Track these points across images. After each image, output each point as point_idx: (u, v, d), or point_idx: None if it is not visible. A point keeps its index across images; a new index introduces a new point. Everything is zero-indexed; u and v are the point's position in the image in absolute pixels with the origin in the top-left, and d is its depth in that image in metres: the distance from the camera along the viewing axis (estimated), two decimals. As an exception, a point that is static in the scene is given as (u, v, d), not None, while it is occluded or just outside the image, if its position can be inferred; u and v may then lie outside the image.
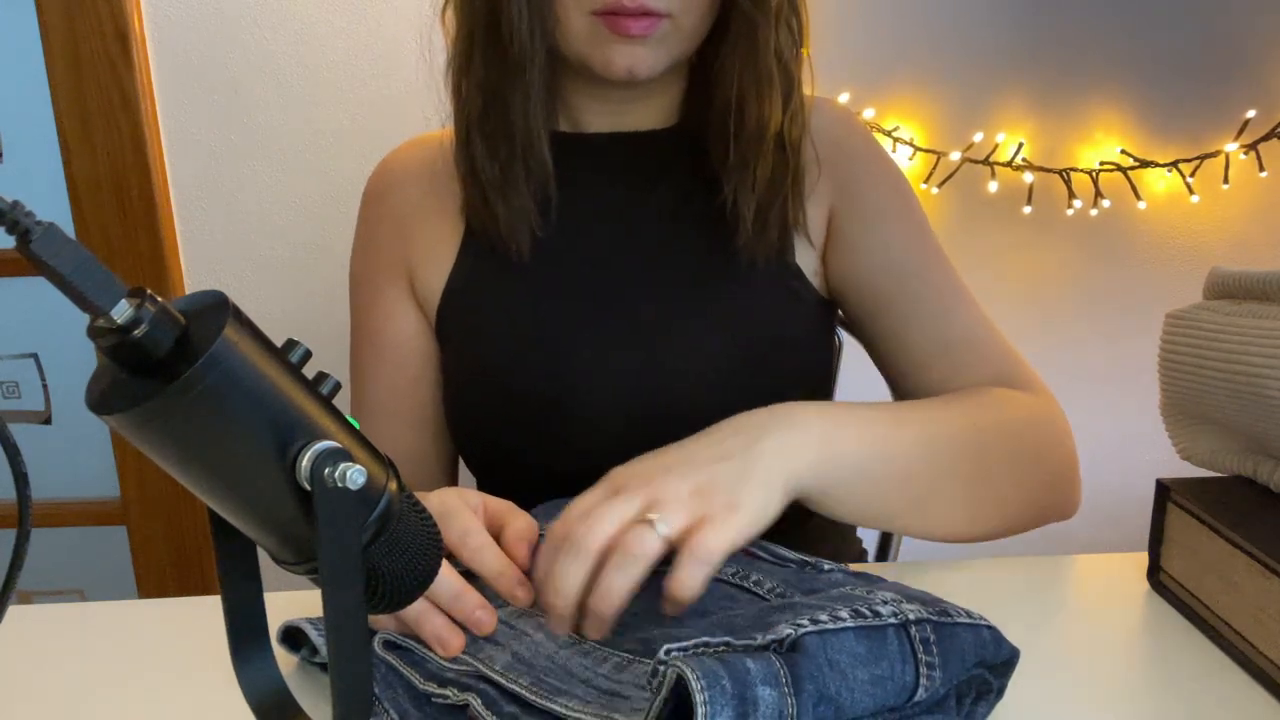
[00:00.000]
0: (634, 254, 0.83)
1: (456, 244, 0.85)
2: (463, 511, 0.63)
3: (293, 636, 0.61)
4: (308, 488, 0.37)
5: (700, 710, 0.44)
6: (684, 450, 0.62)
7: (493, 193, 0.81)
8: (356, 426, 0.42)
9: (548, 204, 0.82)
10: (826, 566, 0.62)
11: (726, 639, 0.49)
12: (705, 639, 0.49)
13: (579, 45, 0.77)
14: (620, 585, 0.55)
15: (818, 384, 0.86)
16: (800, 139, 0.82)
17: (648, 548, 0.55)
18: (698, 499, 0.57)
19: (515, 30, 0.75)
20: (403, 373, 0.87)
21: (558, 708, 0.53)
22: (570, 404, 0.80)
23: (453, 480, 0.93)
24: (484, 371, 0.83)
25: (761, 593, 0.61)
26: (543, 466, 0.81)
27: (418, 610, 0.58)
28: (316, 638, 0.59)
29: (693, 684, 0.45)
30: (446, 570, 0.59)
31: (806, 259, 0.85)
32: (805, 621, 0.50)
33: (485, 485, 0.90)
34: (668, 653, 0.47)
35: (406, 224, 0.87)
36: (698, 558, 0.55)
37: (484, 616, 0.59)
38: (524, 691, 0.54)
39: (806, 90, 0.82)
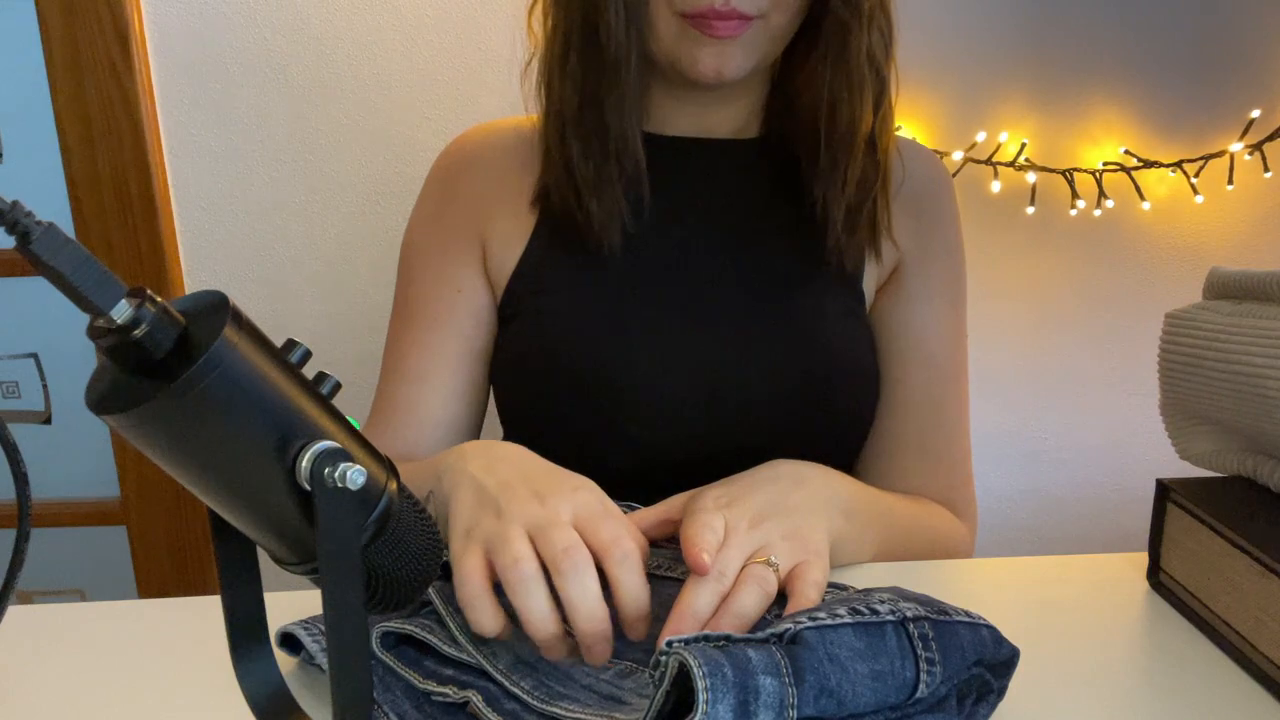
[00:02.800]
0: (710, 256, 0.84)
1: (528, 230, 0.86)
2: (621, 519, 0.60)
3: (291, 640, 0.61)
4: (308, 488, 0.37)
5: (702, 698, 0.44)
6: (765, 494, 0.67)
7: (586, 191, 0.82)
8: (357, 426, 0.42)
9: (640, 203, 0.83)
10: (825, 595, 0.63)
11: (728, 633, 0.50)
12: (706, 633, 0.49)
13: (668, 47, 0.78)
14: (751, 609, 0.59)
15: (867, 394, 0.87)
16: (890, 142, 0.83)
17: (771, 586, 0.61)
18: (791, 543, 0.64)
19: (613, 32, 0.76)
20: (463, 345, 0.88)
21: (559, 710, 0.53)
22: (626, 395, 0.81)
23: None
24: (546, 355, 0.83)
25: (767, 615, 0.62)
26: (586, 453, 0.82)
27: (550, 635, 0.55)
28: (310, 643, 0.59)
29: (695, 671, 0.45)
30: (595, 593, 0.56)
31: (870, 284, 0.87)
32: (803, 618, 0.50)
33: None
34: (669, 644, 0.48)
35: (482, 203, 0.88)
36: (817, 586, 0.62)
37: (604, 650, 0.56)
38: (525, 695, 0.54)
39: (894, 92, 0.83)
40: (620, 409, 0.81)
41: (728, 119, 0.86)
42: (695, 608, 0.58)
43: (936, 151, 1.48)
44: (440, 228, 0.90)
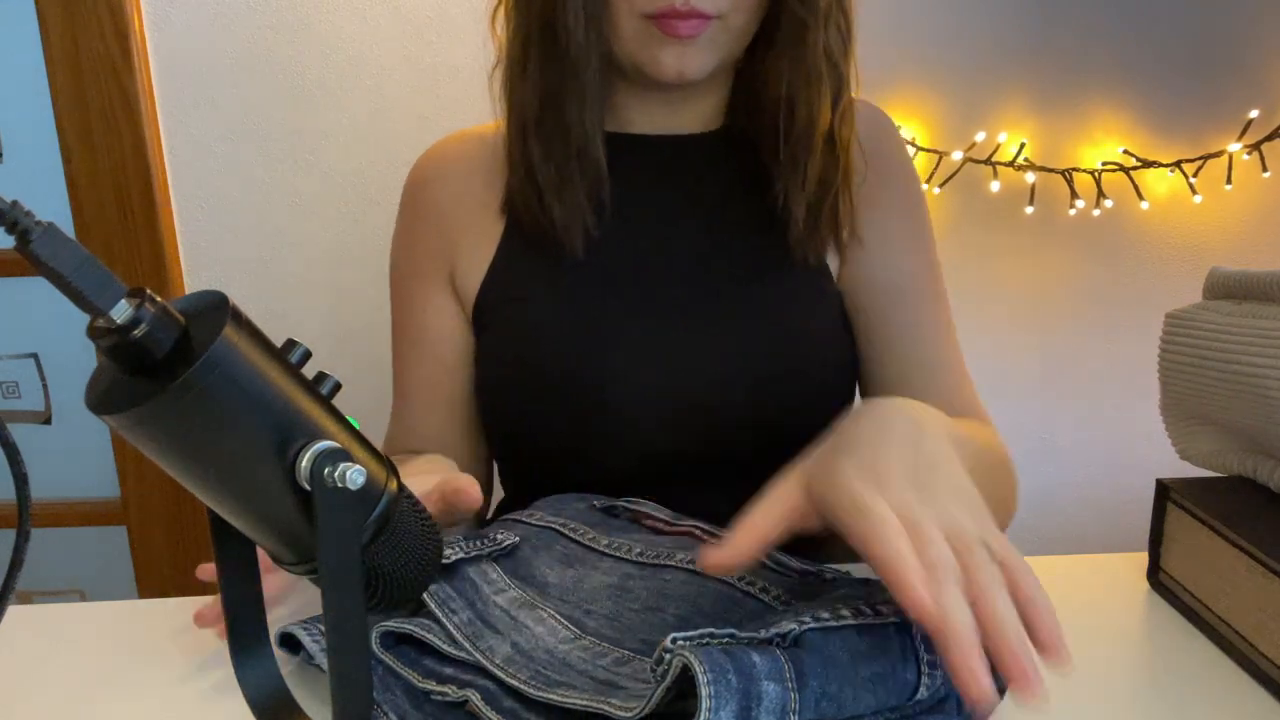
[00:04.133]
0: (677, 253, 0.84)
1: (498, 237, 0.86)
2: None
3: (291, 640, 0.61)
4: (307, 488, 0.37)
5: (705, 704, 0.44)
6: (931, 469, 0.52)
7: (549, 193, 0.81)
8: (356, 426, 0.42)
9: (602, 204, 0.83)
10: (829, 575, 0.63)
11: (732, 630, 0.49)
12: (711, 630, 0.49)
13: (630, 47, 0.78)
14: (1006, 611, 0.46)
15: (843, 380, 0.87)
16: (850, 138, 0.83)
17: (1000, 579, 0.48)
18: (974, 514, 0.50)
19: (571, 33, 0.76)
20: (439, 363, 0.88)
21: (555, 697, 0.53)
22: (604, 397, 0.80)
23: (486, 473, 0.94)
24: (521, 363, 0.83)
25: (767, 600, 0.61)
26: (572, 457, 0.82)
27: None
28: (310, 643, 0.59)
29: (699, 676, 0.44)
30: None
31: (832, 257, 0.87)
32: (807, 618, 0.50)
33: (510, 475, 0.92)
34: (674, 641, 0.47)
35: (448, 217, 0.88)
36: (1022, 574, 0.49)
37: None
38: (521, 686, 0.54)
39: (853, 90, 0.84)
40: (598, 411, 0.81)
41: (694, 116, 0.86)
42: (961, 619, 0.44)
43: (935, 151, 1.49)
44: (411, 247, 0.90)
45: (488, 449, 0.92)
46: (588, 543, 0.68)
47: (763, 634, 0.50)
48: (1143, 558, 0.72)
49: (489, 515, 0.94)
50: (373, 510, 0.41)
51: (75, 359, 1.60)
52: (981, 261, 1.57)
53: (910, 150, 1.49)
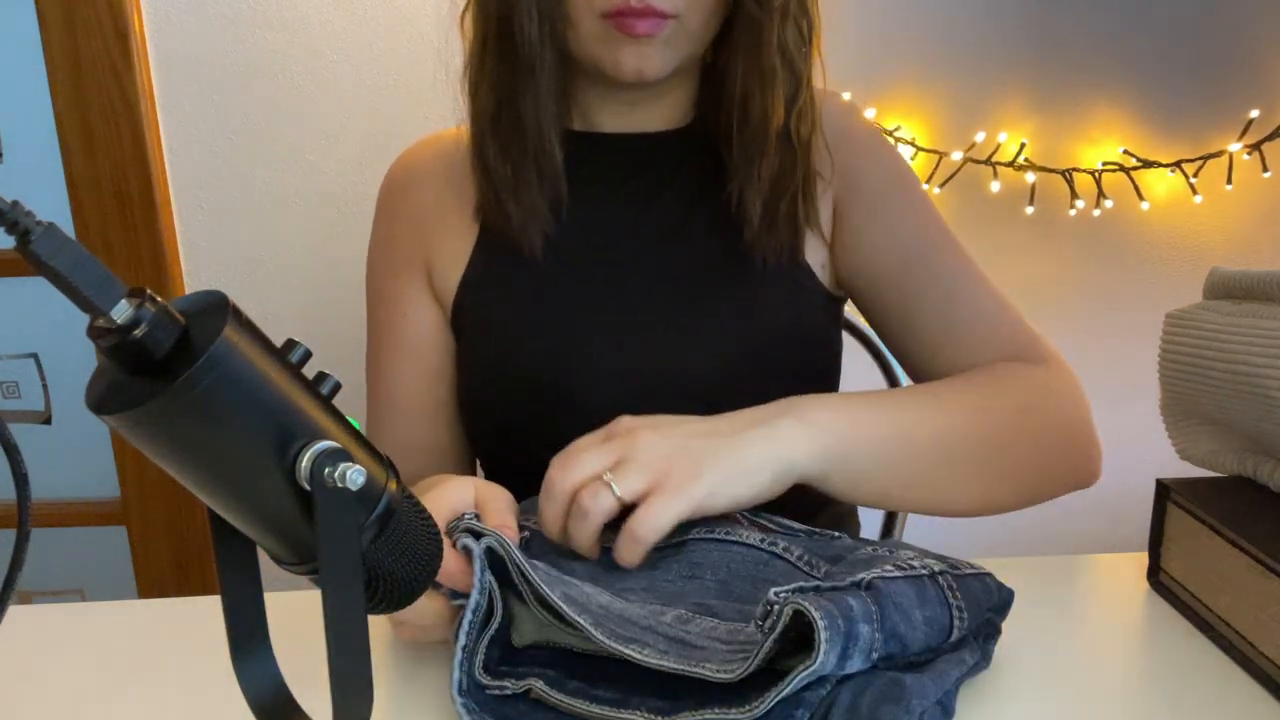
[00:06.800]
0: (646, 251, 0.84)
1: (472, 240, 0.86)
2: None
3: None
4: (307, 488, 0.37)
5: (821, 648, 0.48)
6: (684, 420, 0.65)
7: (505, 193, 0.82)
8: (357, 426, 0.42)
9: (559, 204, 0.83)
10: (835, 534, 0.66)
11: (818, 583, 0.53)
12: (801, 584, 0.53)
13: (590, 47, 0.78)
14: (581, 536, 0.61)
15: (825, 378, 0.87)
16: (810, 137, 0.82)
17: (601, 506, 0.60)
18: (665, 463, 0.61)
19: (525, 33, 0.77)
20: (421, 367, 0.88)
21: (631, 653, 0.52)
22: (580, 399, 0.80)
23: (469, 472, 0.93)
24: (497, 365, 0.84)
25: (792, 559, 0.63)
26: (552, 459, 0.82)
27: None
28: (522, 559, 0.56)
29: (816, 621, 0.48)
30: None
31: (816, 255, 0.86)
32: (863, 574, 0.54)
33: (495, 476, 0.90)
34: (777, 594, 0.51)
35: (425, 220, 0.88)
36: (635, 537, 0.60)
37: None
38: (589, 627, 0.53)
39: (817, 86, 0.83)
40: (574, 412, 0.80)
41: (660, 114, 0.86)
42: (546, 523, 0.62)
43: (935, 152, 1.49)
44: (389, 251, 0.90)
45: (473, 453, 0.92)
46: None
47: (844, 584, 0.53)
48: (1143, 558, 0.72)
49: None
50: (373, 510, 0.41)
51: (75, 359, 1.60)
52: (981, 262, 1.57)
53: (910, 150, 1.49)
